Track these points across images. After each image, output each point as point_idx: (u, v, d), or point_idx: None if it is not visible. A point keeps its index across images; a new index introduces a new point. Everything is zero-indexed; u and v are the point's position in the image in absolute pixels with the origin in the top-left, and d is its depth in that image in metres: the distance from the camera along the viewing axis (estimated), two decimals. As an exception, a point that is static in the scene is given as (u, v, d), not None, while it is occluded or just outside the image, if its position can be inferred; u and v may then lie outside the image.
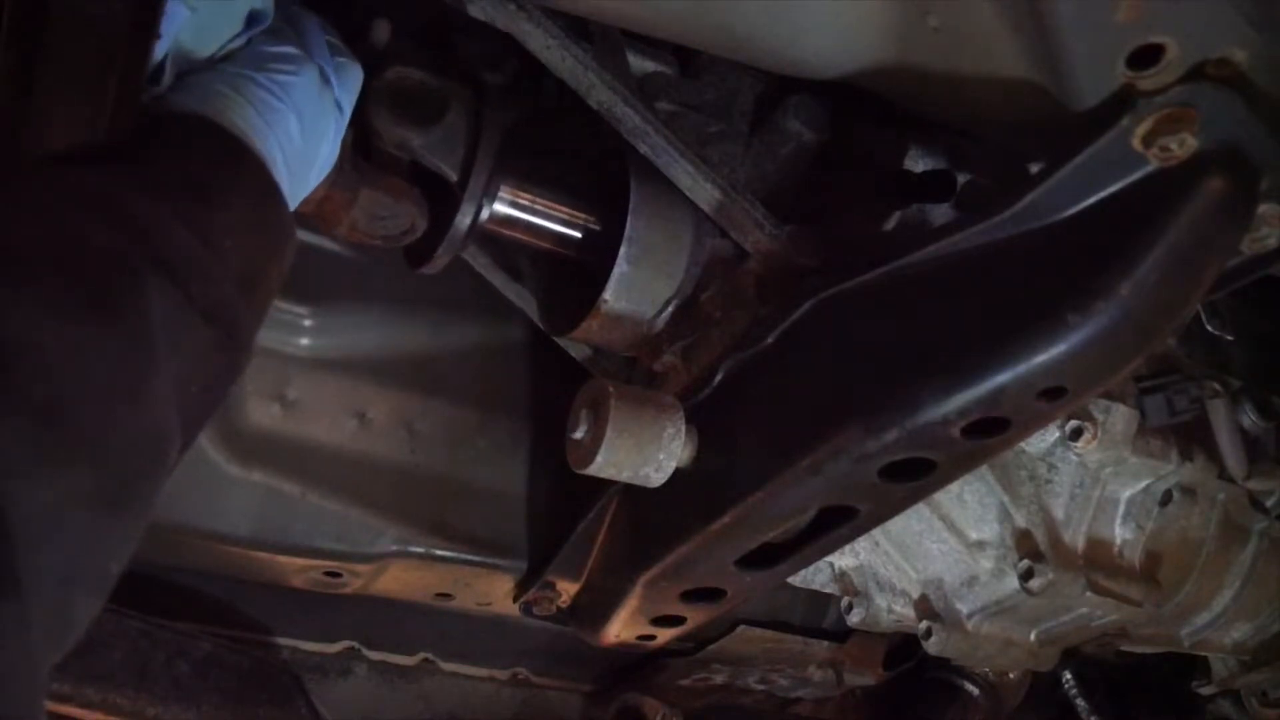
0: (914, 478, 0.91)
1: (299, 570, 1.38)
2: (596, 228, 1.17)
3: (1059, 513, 1.25)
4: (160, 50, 0.84)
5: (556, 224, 1.16)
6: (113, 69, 0.77)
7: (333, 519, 1.35)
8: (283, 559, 1.35)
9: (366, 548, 1.37)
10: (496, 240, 1.19)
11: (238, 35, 0.91)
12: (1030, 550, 1.24)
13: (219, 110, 0.86)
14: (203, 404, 0.76)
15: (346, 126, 0.99)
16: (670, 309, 1.12)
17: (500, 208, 1.12)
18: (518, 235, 1.16)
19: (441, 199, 1.09)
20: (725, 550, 1.01)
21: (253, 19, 0.91)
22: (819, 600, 1.67)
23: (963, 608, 1.31)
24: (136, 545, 0.69)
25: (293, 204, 0.93)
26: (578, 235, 1.17)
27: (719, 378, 1.04)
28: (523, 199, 1.13)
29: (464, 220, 1.08)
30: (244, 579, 1.42)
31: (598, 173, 1.17)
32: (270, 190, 0.86)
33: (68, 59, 0.76)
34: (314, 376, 1.34)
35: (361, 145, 1.05)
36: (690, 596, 1.09)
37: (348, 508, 1.36)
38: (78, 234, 0.68)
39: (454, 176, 1.07)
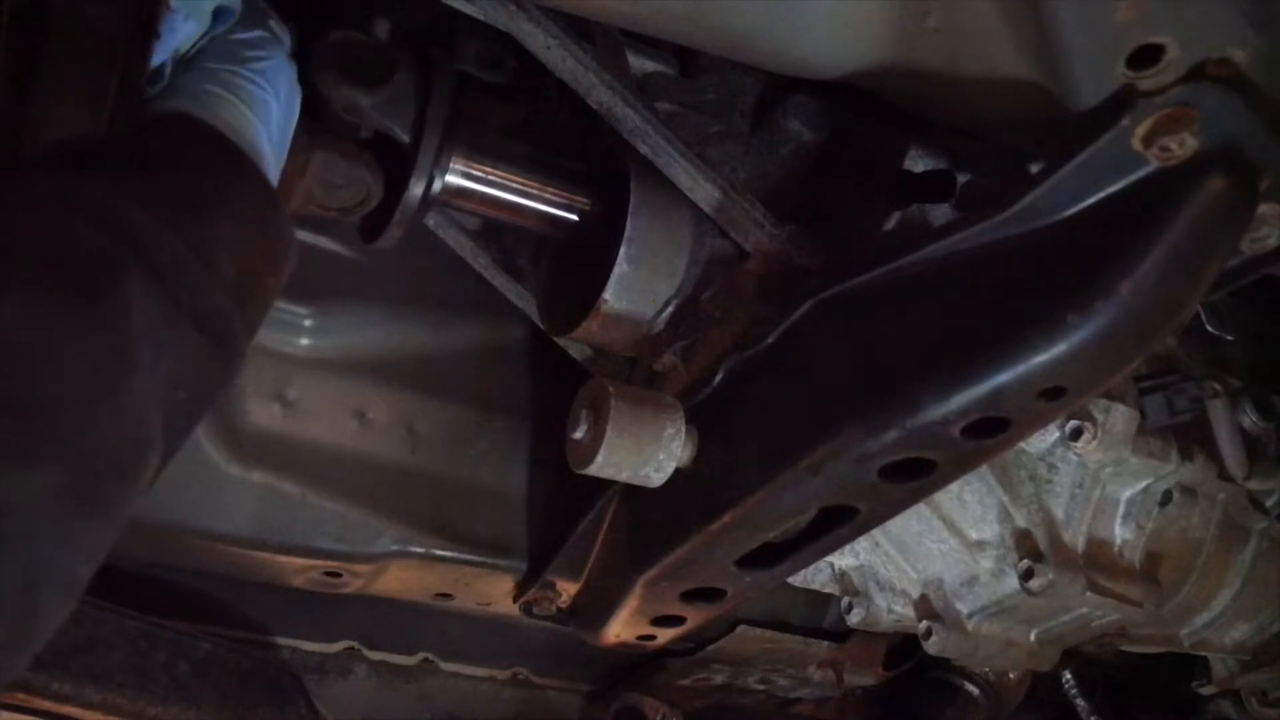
0: (914, 478, 0.91)
1: (299, 570, 1.38)
2: (570, 201, 1.16)
3: (1059, 513, 1.25)
4: (160, 55, 0.84)
5: (517, 195, 1.14)
6: (113, 70, 0.77)
7: (333, 519, 1.35)
8: (283, 559, 1.35)
9: (366, 548, 1.37)
10: (455, 211, 1.17)
11: (206, 32, 0.91)
12: (1030, 550, 1.24)
13: (215, 112, 0.87)
14: (190, 410, 0.76)
15: None
16: (670, 309, 1.12)
17: (454, 179, 1.10)
18: (476, 207, 1.15)
19: (393, 172, 1.08)
20: (725, 550, 1.01)
21: (218, 13, 0.91)
22: (819, 600, 1.67)
23: (963, 608, 1.31)
24: (109, 548, 0.68)
25: (274, 182, 0.93)
26: (547, 210, 1.15)
27: (719, 378, 1.04)
28: (477, 169, 1.12)
29: (418, 186, 1.06)
30: (244, 579, 1.42)
31: (598, 173, 1.17)
32: (269, 201, 0.86)
33: (68, 59, 0.76)
34: (314, 376, 1.35)
35: (309, 113, 1.03)
36: (690, 596, 1.09)
37: (348, 508, 1.36)
38: (64, 237, 0.68)
39: (406, 137, 1.06)
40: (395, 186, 1.08)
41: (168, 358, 0.71)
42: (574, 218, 1.17)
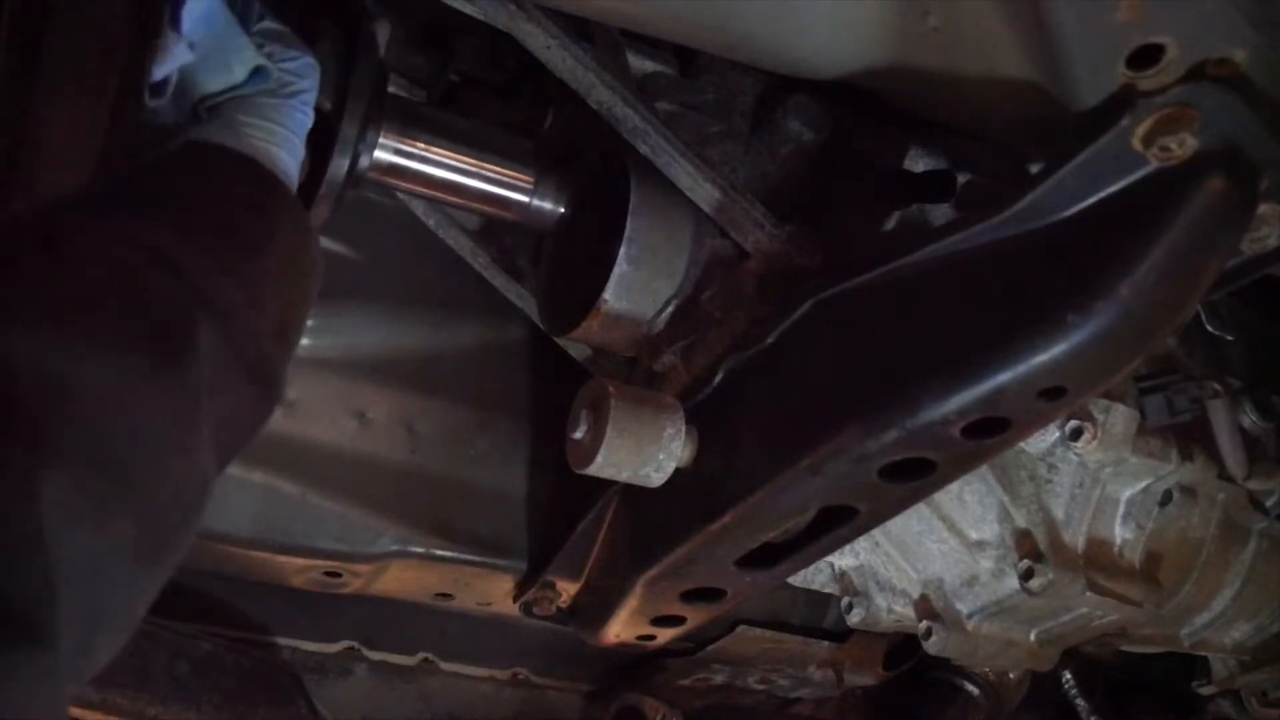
0: (914, 478, 0.91)
1: (299, 570, 1.38)
2: (514, 180, 1.14)
3: (1059, 513, 1.25)
4: (163, 70, 0.83)
5: (456, 174, 1.12)
6: (113, 70, 0.77)
7: (333, 519, 1.35)
8: (283, 559, 1.35)
9: (366, 548, 1.37)
10: (393, 188, 1.15)
11: (242, 85, 0.90)
12: (1030, 550, 1.24)
13: (255, 145, 0.87)
14: (232, 449, 0.77)
15: None
16: (670, 309, 1.12)
17: (385, 155, 1.08)
18: (412, 186, 1.12)
19: (324, 148, 1.03)
20: (725, 550, 1.01)
21: (256, 74, 0.91)
22: (819, 600, 1.67)
23: (963, 608, 1.31)
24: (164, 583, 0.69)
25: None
26: (488, 189, 1.13)
27: (719, 378, 1.04)
28: (409, 145, 1.09)
29: (342, 159, 1.02)
30: (244, 579, 1.42)
31: (598, 173, 1.17)
32: (304, 232, 0.87)
33: (68, 59, 0.76)
34: (314, 376, 1.35)
35: None
36: (690, 596, 1.09)
37: (348, 508, 1.36)
38: (134, 283, 0.68)
39: (328, 105, 1.01)
40: (324, 162, 1.04)
41: (223, 406, 0.72)
42: (520, 198, 1.15)
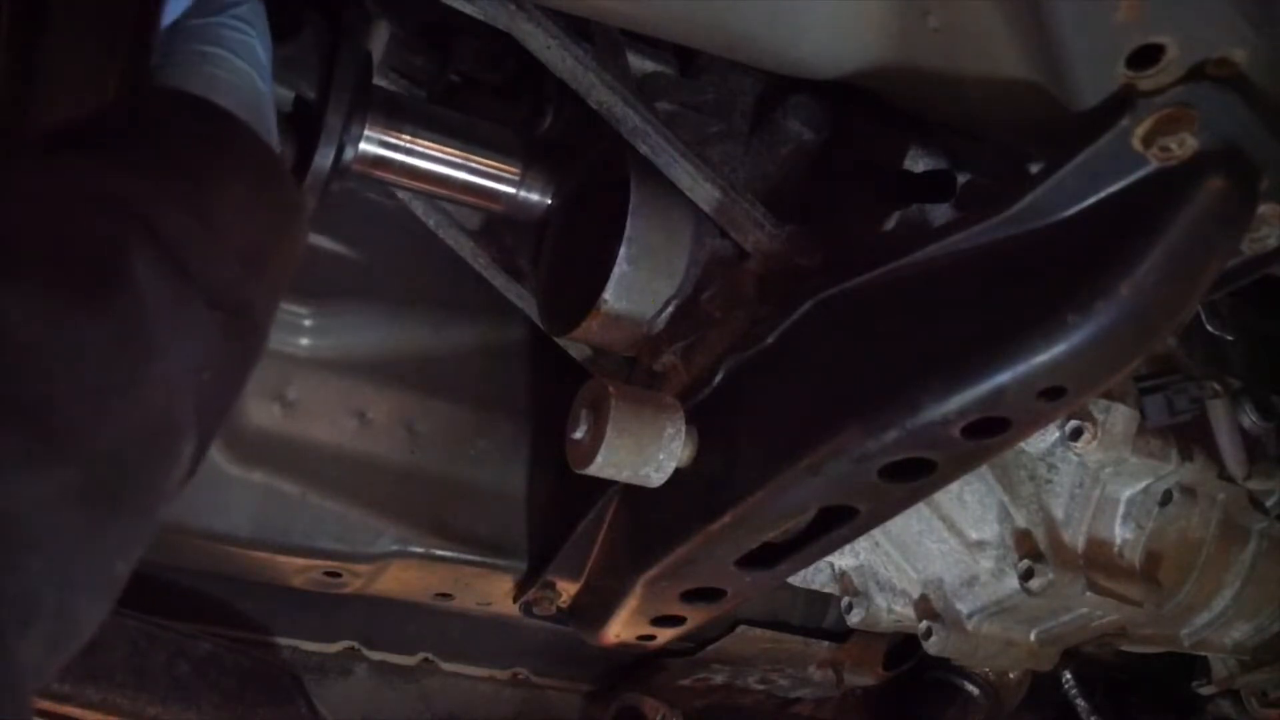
0: (914, 478, 0.91)
1: (299, 570, 1.38)
2: (501, 171, 1.14)
3: (1059, 513, 1.25)
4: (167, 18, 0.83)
5: (443, 166, 1.12)
6: (113, 70, 0.77)
7: (333, 519, 1.35)
8: (283, 559, 1.35)
9: (366, 548, 1.37)
10: (378, 181, 1.14)
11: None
12: (1030, 550, 1.24)
13: (206, 75, 0.85)
14: (218, 391, 0.73)
15: None
16: (670, 309, 1.12)
17: (370, 147, 1.07)
18: (397, 178, 1.12)
19: (309, 141, 1.03)
20: (725, 550, 1.01)
21: None
22: (819, 600, 1.67)
23: (963, 608, 1.31)
24: (149, 541, 0.65)
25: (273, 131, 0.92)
26: (476, 180, 1.13)
27: (719, 378, 1.04)
28: (394, 137, 1.09)
29: (327, 151, 1.01)
30: (244, 579, 1.42)
31: (598, 173, 1.17)
32: (268, 164, 0.84)
33: (68, 59, 0.76)
34: (314, 376, 1.35)
35: None
36: (690, 596, 1.09)
37: (348, 508, 1.36)
38: (67, 220, 0.65)
39: (312, 94, 1.01)
40: (309, 155, 1.04)
41: (185, 338, 0.68)
42: (507, 189, 1.16)
